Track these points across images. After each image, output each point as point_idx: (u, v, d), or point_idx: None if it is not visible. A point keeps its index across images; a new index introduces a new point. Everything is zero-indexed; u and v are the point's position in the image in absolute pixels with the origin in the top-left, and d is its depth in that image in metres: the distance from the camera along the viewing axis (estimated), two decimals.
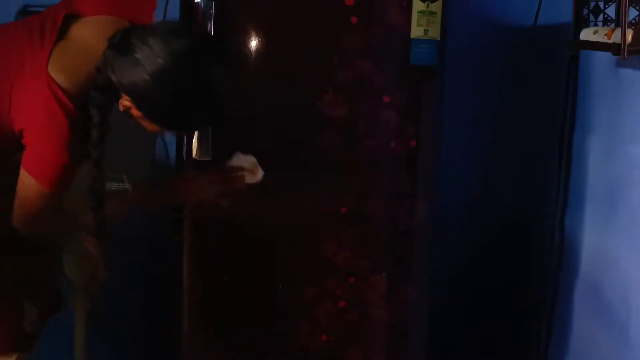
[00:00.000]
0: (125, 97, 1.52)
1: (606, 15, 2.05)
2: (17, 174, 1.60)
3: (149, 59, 1.46)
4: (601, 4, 2.05)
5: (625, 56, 1.72)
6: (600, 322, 2.08)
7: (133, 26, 1.53)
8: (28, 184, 1.55)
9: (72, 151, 1.52)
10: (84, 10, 1.57)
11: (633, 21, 1.81)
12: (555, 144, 2.37)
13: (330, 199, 1.90)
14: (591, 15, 2.07)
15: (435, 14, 1.87)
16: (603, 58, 2.03)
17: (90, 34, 1.55)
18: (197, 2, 1.93)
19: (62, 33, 1.53)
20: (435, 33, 1.88)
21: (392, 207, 1.95)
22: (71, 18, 1.55)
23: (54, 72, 1.50)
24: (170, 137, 2.10)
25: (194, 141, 1.90)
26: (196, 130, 1.63)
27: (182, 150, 2.00)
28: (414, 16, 1.86)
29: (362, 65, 1.85)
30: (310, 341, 1.93)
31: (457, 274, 2.54)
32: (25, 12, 2.38)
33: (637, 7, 1.82)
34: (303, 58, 1.85)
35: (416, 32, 1.87)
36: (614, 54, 1.80)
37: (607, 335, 2.03)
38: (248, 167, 1.77)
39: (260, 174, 1.77)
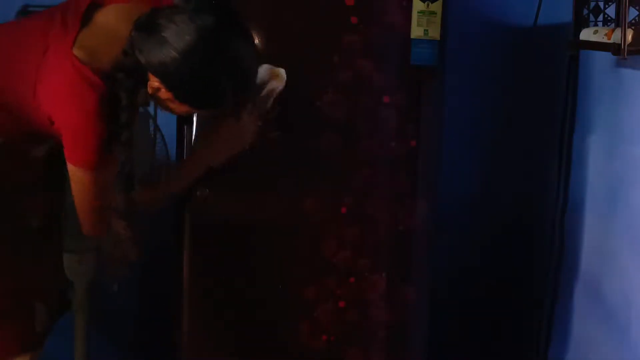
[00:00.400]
0: (153, 78, 1.52)
1: (606, 15, 2.05)
2: (36, 171, 1.61)
3: (176, 36, 1.46)
4: (601, 4, 2.05)
5: (625, 56, 1.72)
6: (600, 322, 2.08)
7: (158, 7, 1.53)
8: (79, 176, 1.56)
9: (106, 126, 1.52)
10: None
11: (633, 21, 1.81)
12: (555, 144, 2.37)
13: (330, 199, 1.90)
14: (591, 15, 2.07)
15: (435, 14, 1.87)
16: (603, 58, 2.03)
17: (115, 19, 1.56)
18: None
19: (86, 20, 1.54)
20: (435, 33, 1.88)
21: (392, 207, 1.95)
22: (95, 6, 1.56)
23: (78, 53, 1.50)
24: (169, 137, 2.10)
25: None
26: (224, 107, 1.61)
27: (182, 149, 2.00)
28: (414, 16, 1.86)
29: (362, 65, 1.86)
30: (310, 341, 1.93)
31: (457, 274, 2.54)
32: (25, 12, 2.38)
33: (637, 7, 1.81)
34: (303, 58, 1.85)
35: (416, 32, 1.87)
36: (614, 54, 1.80)
37: (607, 335, 2.03)
38: (269, 76, 1.74)
39: (283, 73, 1.74)
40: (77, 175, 1.57)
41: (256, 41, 1.64)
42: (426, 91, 1.97)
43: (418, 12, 1.87)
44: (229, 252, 1.93)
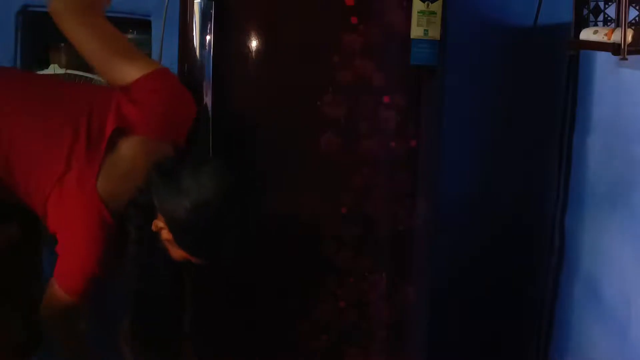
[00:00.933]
0: (161, 218, 1.57)
1: (606, 15, 2.05)
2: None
3: (194, 191, 1.52)
4: (601, 4, 2.05)
5: (625, 56, 1.72)
6: (600, 322, 2.08)
7: (182, 157, 1.59)
8: (57, 294, 1.59)
9: (105, 265, 1.57)
10: (135, 127, 1.59)
11: (633, 21, 1.81)
12: (555, 144, 2.37)
13: (330, 199, 1.90)
14: (591, 15, 2.07)
15: (435, 14, 1.87)
16: (603, 58, 2.03)
17: (139, 155, 1.59)
18: (197, 2, 1.93)
19: (110, 145, 1.56)
20: (435, 33, 1.88)
21: (392, 207, 1.95)
22: (119, 132, 1.58)
23: (101, 189, 1.54)
24: None
25: None
26: (221, 261, 1.69)
27: None
28: (414, 16, 1.86)
29: (362, 65, 1.85)
30: (310, 341, 1.93)
31: (457, 274, 2.54)
32: (25, 12, 2.39)
33: (637, 7, 1.81)
34: (303, 58, 1.85)
35: (416, 32, 1.87)
36: (614, 54, 1.80)
37: (607, 335, 2.03)
38: None
39: None
40: (56, 292, 1.60)
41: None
42: (426, 91, 1.97)
43: (418, 12, 1.87)
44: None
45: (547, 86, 2.49)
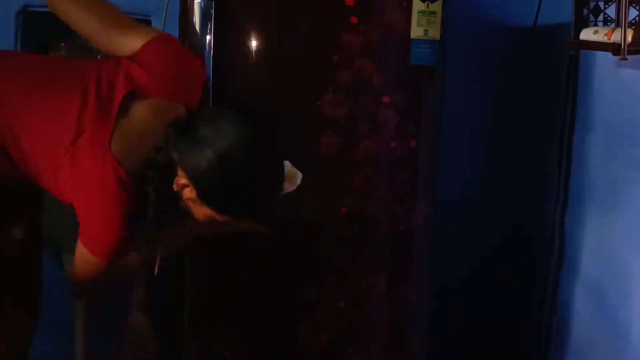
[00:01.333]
0: (182, 175, 1.56)
1: (606, 15, 2.05)
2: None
3: (216, 140, 1.53)
4: (601, 4, 2.05)
5: (625, 56, 1.72)
6: (601, 322, 2.08)
7: (199, 109, 1.60)
8: (85, 256, 1.59)
9: (128, 224, 1.55)
10: (146, 90, 1.59)
11: (633, 21, 1.81)
12: (555, 144, 2.37)
13: (330, 198, 1.90)
14: (591, 15, 2.08)
15: (435, 14, 1.87)
16: (603, 58, 2.03)
17: (151, 116, 1.58)
18: (197, 2, 1.93)
19: (122, 109, 1.56)
20: (435, 33, 1.88)
21: (392, 207, 1.95)
22: (131, 96, 1.57)
23: (116, 150, 1.53)
24: None
25: None
26: (243, 214, 1.68)
27: None
28: (414, 16, 1.86)
29: (362, 65, 1.85)
30: (310, 341, 1.93)
31: (457, 273, 2.54)
32: (25, 12, 2.39)
33: (637, 7, 1.82)
34: (303, 58, 1.85)
35: (416, 32, 1.87)
36: (614, 54, 1.80)
37: (607, 335, 2.03)
38: (285, 177, 1.78)
39: (298, 177, 1.78)
40: (84, 254, 1.59)
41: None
42: (426, 91, 1.97)
43: (418, 12, 1.87)
44: (228, 252, 1.93)
45: (547, 86, 2.49)
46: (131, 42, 1.63)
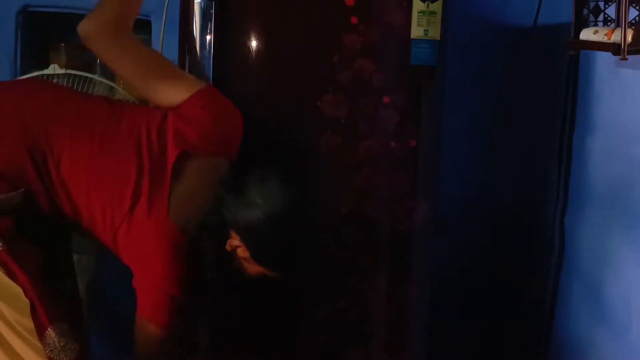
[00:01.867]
0: (235, 236, 1.58)
1: (606, 15, 2.05)
2: None
3: (266, 202, 1.55)
4: (601, 4, 2.05)
5: (625, 56, 1.72)
6: (601, 323, 2.08)
7: (246, 169, 1.60)
8: (145, 329, 1.58)
9: (186, 290, 1.56)
10: (195, 147, 1.58)
11: (633, 21, 1.81)
12: (555, 144, 2.37)
13: (330, 199, 1.90)
14: (591, 15, 2.08)
15: (436, 14, 1.87)
16: (603, 58, 2.03)
17: (203, 176, 1.59)
18: (198, 2, 1.93)
19: (175, 170, 1.55)
20: (435, 33, 1.88)
21: (392, 207, 1.95)
22: (182, 155, 1.56)
23: (173, 214, 1.53)
24: None
25: None
26: (292, 273, 1.70)
27: None
28: (414, 16, 1.86)
29: (362, 65, 1.85)
30: (310, 341, 1.93)
31: (457, 274, 2.54)
32: (25, 12, 2.39)
33: (637, 7, 1.82)
34: (303, 58, 1.85)
35: (416, 32, 1.87)
36: (614, 54, 1.80)
37: (607, 335, 2.03)
38: None
39: None
40: (145, 329, 1.58)
41: None
42: (426, 91, 1.97)
43: (418, 12, 1.87)
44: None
45: (547, 86, 2.49)
46: (177, 94, 1.60)
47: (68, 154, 1.52)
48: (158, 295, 1.55)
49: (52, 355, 1.45)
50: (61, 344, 1.46)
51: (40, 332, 1.45)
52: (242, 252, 1.60)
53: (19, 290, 1.44)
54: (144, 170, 1.53)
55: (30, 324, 1.45)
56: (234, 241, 1.59)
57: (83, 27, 1.58)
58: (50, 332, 1.46)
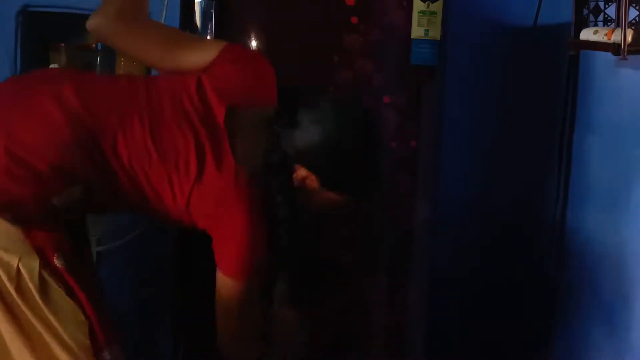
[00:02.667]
0: (300, 169, 1.56)
1: (606, 15, 2.05)
2: None
3: (325, 121, 1.55)
4: (601, 4, 2.05)
5: (625, 56, 1.72)
6: (601, 323, 2.08)
7: (295, 102, 1.60)
8: (228, 286, 1.55)
9: (263, 239, 1.54)
10: (238, 100, 1.57)
11: (633, 21, 1.81)
12: (555, 144, 2.37)
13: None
14: (591, 15, 2.08)
15: (436, 14, 1.88)
16: (603, 58, 2.03)
17: (255, 124, 1.57)
18: (198, 2, 1.93)
19: (227, 126, 1.54)
20: (435, 33, 1.88)
21: (392, 207, 1.95)
22: (230, 112, 1.56)
23: (240, 165, 1.51)
24: None
25: None
26: (364, 192, 1.66)
27: None
28: (415, 16, 1.87)
29: (362, 65, 1.85)
30: (310, 341, 1.93)
31: (457, 274, 2.54)
32: (25, 12, 2.38)
33: (637, 7, 1.82)
34: (303, 58, 1.85)
35: (416, 32, 1.87)
36: (614, 54, 1.80)
37: (607, 335, 2.03)
38: None
39: None
40: (227, 285, 1.55)
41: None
42: (426, 91, 1.97)
43: (418, 12, 1.87)
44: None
45: (547, 86, 2.49)
46: (203, 56, 1.59)
47: (122, 134, 1.50)
48: (238, 248, 1.52)
49: None
50: None
51: (97, 353, 1.44)
52: (311, 182, 1.57)
53: (75, 308, 1.42)
54: (200, 135, 1.52)
55: (86, 341, 1.43)
56: (302, 172, 1.56)
57: (96, 23, 1.56)
58: (106, 355, 1.45)
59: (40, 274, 1.39)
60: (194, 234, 2.00)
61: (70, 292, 1.42)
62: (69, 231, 1.51)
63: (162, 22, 2.09)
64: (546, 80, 2.50)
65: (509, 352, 2.57)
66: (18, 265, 1.37)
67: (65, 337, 1.40)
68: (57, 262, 1.42)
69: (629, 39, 1.71)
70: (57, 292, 1.40)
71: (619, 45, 1.73)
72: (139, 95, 1.55)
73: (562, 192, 2.36)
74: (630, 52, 1.71)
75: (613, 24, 2.00)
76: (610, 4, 2.02)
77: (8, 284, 1.36)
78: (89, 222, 1.68)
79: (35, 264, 1.39)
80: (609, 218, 2.06)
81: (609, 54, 1.85)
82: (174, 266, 2.11)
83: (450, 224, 2.41)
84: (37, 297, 1.38)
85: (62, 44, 2.49)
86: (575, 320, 2.26)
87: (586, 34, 1.98)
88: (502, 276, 2.58)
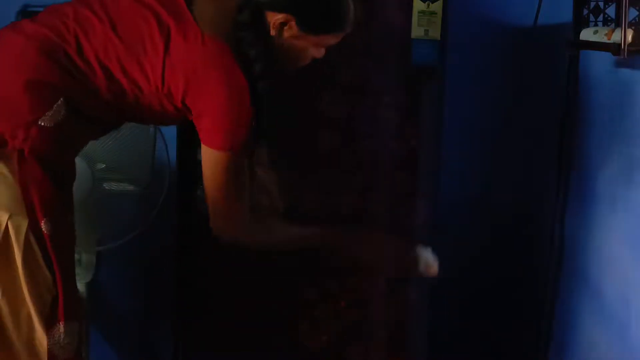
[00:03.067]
0: (275, 15, 1.51)
1: (606, 15, 2.05)
2: None
3: None
4: (601, 4, 2.05)
5: (625, 56, 1.72)
6: (600, 322, 2.08)
7: None
8: (210, 156, 1.51)
9: (245, 111, 1.49)
10: None
11: (633, 21, 1.81)
12: (555, 144, 2.37)
13: (330, 199, 1.90)
14: (591, 15, 2.07)
15: (436, 14, 1.88)
16: (603, 58, 2.03)
17: None
18: None
19: None
20: (435, 33, 1.89)
21: (392, 207, 1.95)
22: None
23: (206, 28, 1.48)
24: (170, 137, 2.10)
25: None
26: (345, 29, 1.59)
27: (183, 150, 2.00)
28: (415, 16, 1.87)
29: (362, 65, 1.85)
30: (310, 341, 1.93)
31: (457, 274, 2.53)
32: (25, 12, 2.38)
33: (637, 7, 1.82)
34: None
35: (417, 32, 1.87)
36: (614, 54, 1.80)
37: (607, 335, 2.03)
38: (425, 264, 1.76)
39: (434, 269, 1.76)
40: (212, 157, 1.51)
41: None
42: (426, 91, 1.97)
43: (418, 12, 1.87)
44: (230, 253, 1.93)
45: (547, 86, 2.49)
46: None
47: (84, 37, 1.49)
48: (217, 118, 1.49)
49: (51, 348, 1.45)
50: (65, 341, 1.46)
51: (51, 324, 1.44)
52: (289, 29, 1.53)
53: (49, 280, 1.43)
54: (161, 15, 1.50)
55: (46, 309, 1.43)
56: (278, 18, 1.51)
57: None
58: (60, 327, 1.45)
59: (26, 236, 1.40)
60: (194, 234, 2.01)
61: (48, 261, 1.43)
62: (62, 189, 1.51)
63: None
64: (546, 80, 2.50)
65: (509, 352, 2.57)
66: (7, 223, 1.39)
67: (29, 301, 1.41)
68: (44, 226, 1.42)
69: (629, 39, 1.71)
70: (36, 262, 1.41)
71: (619, 45, 1.72)
72: None
73: (562, 192, 2.36)
74: (630, 52, 1.71)
75: (613, 24, 2.00)
76: (610, 4, 2.02)
77: None
78: (87, 213, 1.67)
79: (24, 224, 1.40)
80: (609, 218, 2.06)
81: (609, 54, 1.85)
82: (174, 266, 2.11)
83: (450, 224, 2.41)
84: (18, 259, 1.39)
85: None
86: (575, 320, 2.26)
87: (586, 34, 1.98)
88: (502, 276, 2.58)
